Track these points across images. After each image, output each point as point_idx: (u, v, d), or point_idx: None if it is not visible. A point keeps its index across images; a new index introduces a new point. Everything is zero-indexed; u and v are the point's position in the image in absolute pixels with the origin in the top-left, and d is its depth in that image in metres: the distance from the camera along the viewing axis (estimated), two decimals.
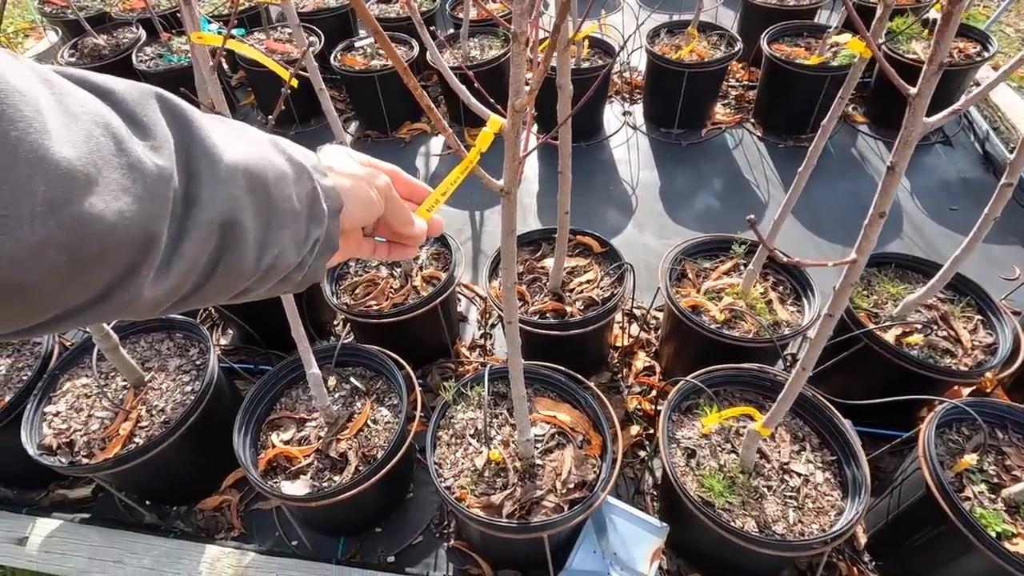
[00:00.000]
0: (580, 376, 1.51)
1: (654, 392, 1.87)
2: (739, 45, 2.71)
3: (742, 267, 1.81)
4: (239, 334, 2.11)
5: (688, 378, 1.43)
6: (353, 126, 3.22)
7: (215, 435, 1.58)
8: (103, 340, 1.47)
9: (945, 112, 0.72)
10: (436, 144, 3.05)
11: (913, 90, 0.71)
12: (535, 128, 3.10)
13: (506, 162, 0.88)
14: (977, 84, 2.87)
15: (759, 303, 1.69)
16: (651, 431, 1.77)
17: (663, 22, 2.93)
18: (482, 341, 2.09)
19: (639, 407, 1.82)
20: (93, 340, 1.48)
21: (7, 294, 0.26)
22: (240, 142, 0.38)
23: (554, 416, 1.45)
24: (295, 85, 1.17)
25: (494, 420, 1.45)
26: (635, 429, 1.77)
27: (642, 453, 1.75)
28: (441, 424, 1.44)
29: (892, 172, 0.78)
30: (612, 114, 3.08)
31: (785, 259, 0.74)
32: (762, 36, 2.73)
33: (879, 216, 0.82)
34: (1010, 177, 1.30)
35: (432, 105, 0.65)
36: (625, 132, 2.98)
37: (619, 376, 1.93)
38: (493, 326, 2.14)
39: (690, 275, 1.81)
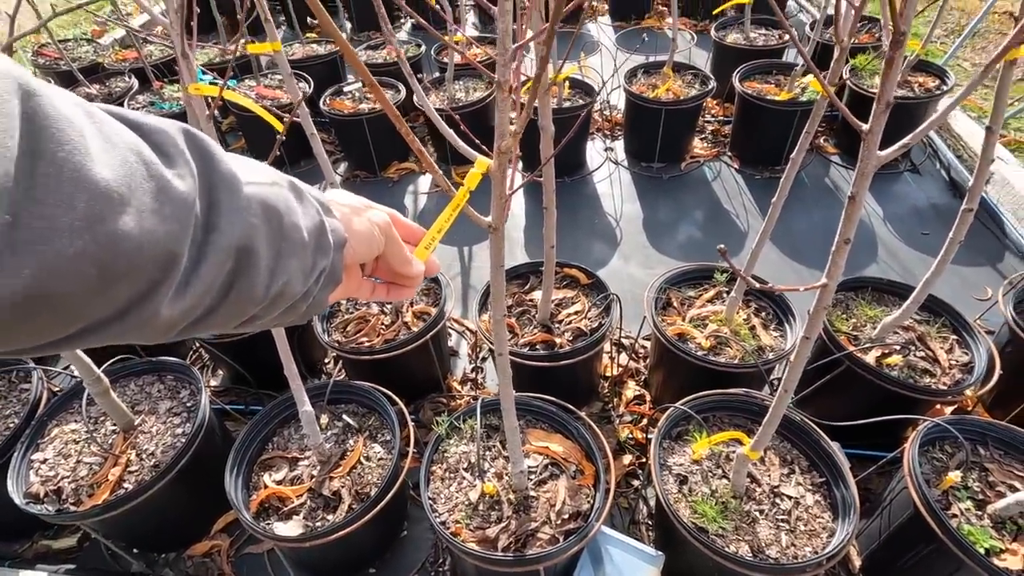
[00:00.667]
0: (571, 407, 1.53)
1: (645, 420, 1.89)
2: (712, 83, 2.84)
3: (725, 295, 1.86)
4: (229, 374, 2.10)
5: (677, 405, 1.46)
6: (342, 167, 3.29)
7: (206, 478, 1.57)
8: (94, 384, 1.47)
9: (894, 147, 0.78)
10: (424, 183, 3.12)
11: (865, 127, 0.78)
12: (520, 166, 3.19)
13: (493, 200, 0.92)
14: (936, 112, 3.01)
15: (743, 329, 1.73)
16: (644, 460, 1.78)
17: (640, 63, 3.07)
18: (473, 375, 2.10)
19: (631, 436, 1.84)
20: (84, 384, 1.48)
21: (36, 306, 0.28)
22: (256, 175, 0.42)
23: (547, 447, 1.46)
24: (283, 135, 1.22)
25: (487, 452, 1.46)
26: (628, 458, 1.78)
27: (635, 482, 1.75)
28: (435, 459, 1.44)
29: (853, 201, 0.83)
30: (594, 150, 3.19)
31: (758, 285, 0.78)
32: (734, 74, 2.87)
33: (844, 243, 0.87)
34: (970, 203, 1.38)
35: (423, 149, 0.70)
36: (608, 167, 3.07)
37: (610, 405, 1.95)
38: (484, 359, 2.16)
39: (675, 304, 1.86)
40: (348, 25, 4.90)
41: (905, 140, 0.78)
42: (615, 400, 1.96)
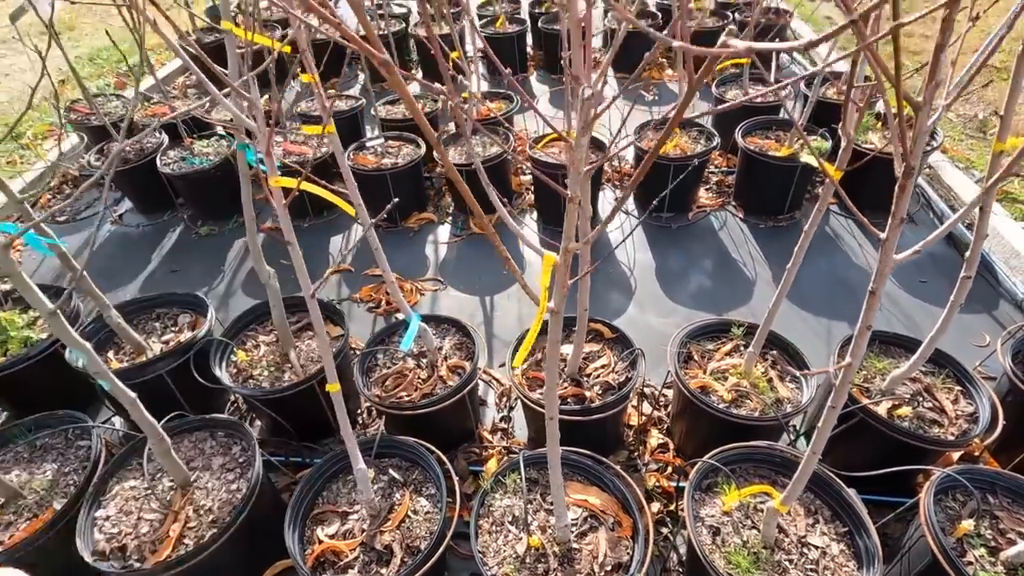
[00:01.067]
0: (604, 459, 1.63)
1: (670, 469, 1.98)
2: (717, 139, 3.02)
3: (742, 347, 1.98)
4: (268, 425, 2.19)
5: (705, 458, 1.56)
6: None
7: (257, 531, 1.65)
8: (158, 443, 1.56)
9: (907, 252, 0.91)
10: (443, 232, 3.26)
11: (883, 235, 0.91)
12: (535, 215, 3.35)
13: (556, 288, 1.05)
14: (930, 167, 3.20)
15: (761, 382, 1.85)
16: (671, 507, 1.87)
17: (648, 119, 3.26)
18: (503, 424, 2.20)
19: (657, 484, 1.93)
20: (148, 443, 1.57)
21: None
22: None
23: (585, 500, 1.55)
24: (351, 212, 1.35)
25: (529, 505, 1.55)
26: (656, 506, 1.87)
27: (664, 529, 1.84)
28: (481, 512, 1.53)
29: (873, 295, 0.96)
30: (605, 200, 3.35)
31: (799, 373, 0.90)
32: (737, 130, 3.05)
33: (866, 328, 1.00)
34: (968, 271, 1.52)
35: (492, 229, 0.83)
36: (619, 217, 3.23)
37: (635, 454, 2.05)
38: (511, 408, 2.26)
39: (696, 356, 1.97)
40: (362, 76, 5.13)
41: (918, 246, 0.91)
42: (640, 448, 2.06)
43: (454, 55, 5.21)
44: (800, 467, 1.23)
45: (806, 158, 2.12)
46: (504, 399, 2.30)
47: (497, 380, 2.37)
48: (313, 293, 1.33)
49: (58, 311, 1.33)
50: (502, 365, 2.42)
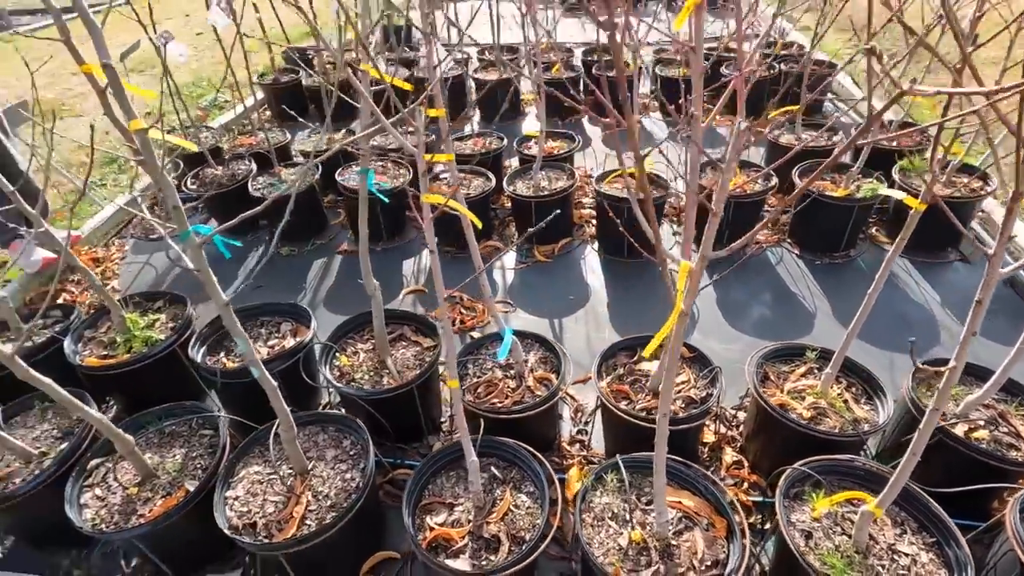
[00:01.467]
0: (693, 464, 1.74)
1: (746, 484, 2.07)
2: (774, 180, 3.19)
3: (815, 371, 2.09)
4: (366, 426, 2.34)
5: (795, 466, 1.66)
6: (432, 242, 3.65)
7: (365, 521, 1.78)
8: (287, 430, 1.73)
9: (1013, 266, 1.05)
10: (508, 259, 3.45)
11: (991, 250, 1.05)
12: (596, 245, 3.53)
13: (689, 293, 1.21)
14: (983, 211, 3.32)
15: (837, 402, 1.95)
16: (751, 521, 1.95)
17: (706, 160, 3.45)
18: (580, 436, 2.32)
19: (736, 498, 2.01)
20: (279, 430, 1.73)
21: None
22: None
23: (680, 502, 1.66)
24: (478, 223, 1.53)
25: (625, 504, 1.66)
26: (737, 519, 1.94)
27: (744, 542, 1.91)
28: (583, 508, 1.65)
29: (980, 304, 1.10)
30: (664, 234, 3.52)
31: (920, 364, 1.03)
32: (793, 171, 3.23)
33: (972, 334, 1.13)
34: None
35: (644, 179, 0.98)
36: (678, 251, 3.39)
37: (710, 470, 2.14)
38: (587, 423, 2.38)
39: (772, 377, 2.09)
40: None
41: (1022, 261, 1.06)
42: (716, 464, 2.15)
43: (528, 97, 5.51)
44: (899, 467, 1.33)
45: (885, 191, 2.28)
46: (579, 413, 2.42)
47: (572, 396, 2.50)
48: (445, 297, 1.51)
49: (229, 304, 1.53)
50: (577, 382, 2.55)
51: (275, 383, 1.66)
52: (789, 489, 1.68)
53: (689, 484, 1.72)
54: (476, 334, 2.90)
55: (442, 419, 2.44)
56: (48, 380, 1.60)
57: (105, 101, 1.19)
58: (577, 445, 2.29)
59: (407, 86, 1.83)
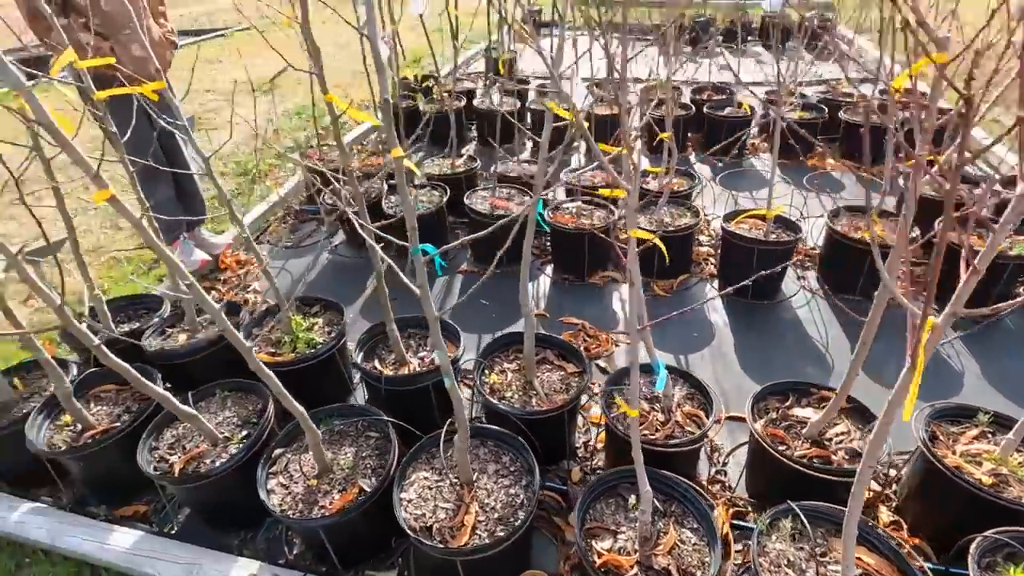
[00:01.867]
0: (867, 519, 1.70)
1: (907, 548, 1.98)
2: (916, 231, 3.09)
3: (988, 435, 2.00)
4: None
5: (989, 533, 1.59)
6: (549, 268, 3.76)
7: (526, 538, 1.83)
8: (463, 440, 1.82)
9: None
10: (625, 290, 3.49)
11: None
12: (715, 283, 3.52)
13: (927, 349, 1.20)
14: None
15: (1020, 471, 1.85)
16: None
17: (841, 204, 3.40)
18: (720, 477, 2.30)
19: None
20: (455, 438, 1.83)
21: None
22: None
23: (859, 558, 1.62)
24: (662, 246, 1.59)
25: (801, 552, 1.64)
26: None
27: None
28: (758, 551, 1.64)
29: None
30: (788, 278, 3.47)
31: None
32: (936, 223, 3.12)
33: None
34: None
35: None
36: (803, 296, 3.33)
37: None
38: (725, 464, 2.36)
39: (941, 437, 2.01)
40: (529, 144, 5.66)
41: None
42: (872, 523, 2.07)
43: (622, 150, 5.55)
44: None
45: None
46: (716, 453, 2.40)
47: (706, 435, 2.48)
48: (643, 327, 1.57)
49: (438, 319, 1.65)
50: (731, 418, 2.54)
51: (461, 395, 1.76)
52: (981, 558, 1.60)
53: (863, 540, 1.67)
54: (602, 363, 2.95)
55: (577, 446, 2.48)
56: (269, 372, 1.78)
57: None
58: (718, 485, 2.27)
59: (567, 114, 1.93)
